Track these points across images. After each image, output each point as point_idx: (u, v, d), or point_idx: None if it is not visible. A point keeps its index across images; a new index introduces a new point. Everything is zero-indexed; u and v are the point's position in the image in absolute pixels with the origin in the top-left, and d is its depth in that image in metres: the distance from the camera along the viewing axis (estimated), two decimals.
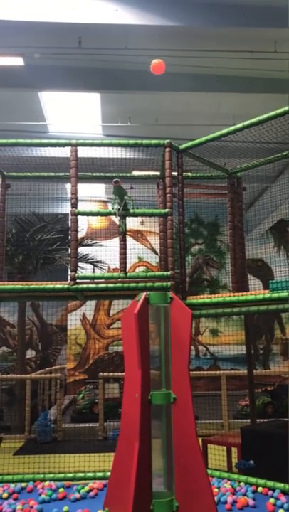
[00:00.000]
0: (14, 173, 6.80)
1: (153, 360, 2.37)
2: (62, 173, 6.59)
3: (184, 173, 6.90)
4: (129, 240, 11.93)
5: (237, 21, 7.25)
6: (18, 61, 7.51)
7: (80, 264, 9.24)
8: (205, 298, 5.70)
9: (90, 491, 4.70)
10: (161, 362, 2.36)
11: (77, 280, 5.53)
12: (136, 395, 2.16)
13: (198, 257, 13.14)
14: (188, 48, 7.29)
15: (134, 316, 2.21)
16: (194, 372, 10.91)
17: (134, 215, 5.76)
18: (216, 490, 4.71)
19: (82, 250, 9.50)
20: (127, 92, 8.62)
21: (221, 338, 12.96)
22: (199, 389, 10.79)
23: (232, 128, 5.62)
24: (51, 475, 5.22)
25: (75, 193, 5.76)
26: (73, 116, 9.80)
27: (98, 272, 9.50)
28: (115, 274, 5.64)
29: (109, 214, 5.91)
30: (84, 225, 12.07)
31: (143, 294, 2.29)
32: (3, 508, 4.28)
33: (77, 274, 5.53)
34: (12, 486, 4.95)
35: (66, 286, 5.51)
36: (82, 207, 5.73)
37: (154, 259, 12.78)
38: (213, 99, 8.93)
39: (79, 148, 5.91)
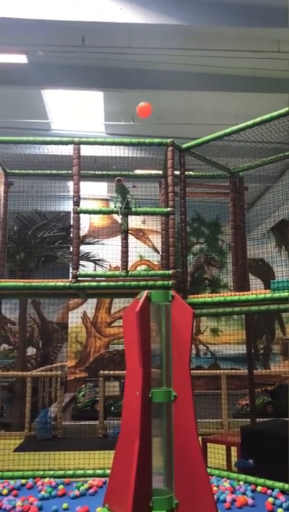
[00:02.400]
0: (17, 171, 6.81)
1: (154, 359, 2.38)
2: (65, 171, 6.58)
3: (187, 173, 6.92)
4: (131, 239, 11.95)
5: (240, 20, 7.25)
6: (21, 59, 7.52)
7: (81, 262, 9.28)
8: (206, 297, 5.71)
9: (90, 488, 4.72)
10: (162, 360, 2.36)
11: (79, 278, 5.55)
12: (136, 393, 2.17)
13: (200, 256, 13.15)
14: (191, 47, 7.29)
15: (136, 314, 2.21)
16: (194, 371, 10.92)
17: (136, 213, 5.77)
18: (215, 488, 4.72)
19: (83, 248, 9.52)
20: (130, 91, 8.61)
21: (222, 337, 12.98)
22: (199, 388, 10.79)
23: (235, 127, 5.62)
24: (51, 472, 5.24)
25: (77, 191, 5.77)
26: (76, 114, 9.81)
27: (99, 270, 9.50)
28: (117, 273, 5.65)
29: (111, 212, 5.91)
30: (86, 223, 12.08)
31: (145, 293, 2.30)
32: (3, 504, 4.30)
33: (78, 272, 5.54)
34: (12, 482, 4.96)
35: (68, 284, 5.52)
36: (84, 205, 5.74)
37: (155, 258, 12.79)
38: (216, 99, 8.93)
39: (82, 146, 5.93)
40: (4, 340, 15.32)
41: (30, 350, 15.21)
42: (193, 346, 9.36)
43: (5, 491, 4.68)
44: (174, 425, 2.23)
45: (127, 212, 5.61)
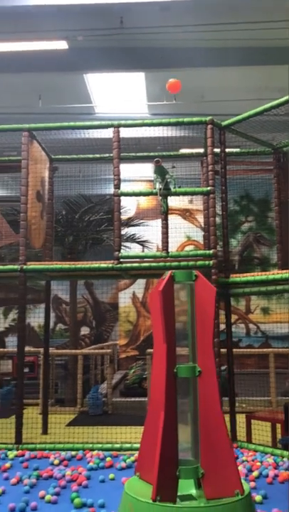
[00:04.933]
0: (61, 156, 7.00)
1: (180, 336, 2.46)
2: (107, 155, 6.68)
3: (232, 150, 6.84)
4: (178, 219, 11.96)
5: None
6: (62, 45, 7.63)
7: (128, 243, 9.43)
8: (248, 276, 5.71)
9: (136, 461, 4.90)
10: (188, 338, 2.44)
11: (121, 259, 5.69)
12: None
13: (249, 234, 12.96)
14: (232, 21, 7.12)
15: (159, 293, 2.30)
16: (243, 350, 10.91)
17: (176, 194, 5.81)
18: (258, 464, 4.80)
19: (130, 230, 9.65)
20: (172, 70, 8.53)
21: (273, 316, 12.82)
22: (250, 367, 10.78)
23: (275, 102, 5.51)
24: (99, 445, 5.49)
25: (118, 174, 5.89)
26: (119, 96, 9.85)
27: (147, 252, 9.61)
28: (157, 253, 5.75)
29: (151, 194, 5.99)
30: (132, 205, 12.18)
31: (168, 272, 2.38)
32: (54, 473, 4.57)
33: (120, 254, 5.68)
34: (63, 453, 5.25)
35: (111, 265, 5.69)
36: (131, 187, 5.83)
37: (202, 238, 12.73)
38: (259, 73, 8.68)
39: (125, 128, 6.00)
40: (59, 321, 15.88)
41: (84, 330, 15.71)
42: (243, 325, 9.34)
43: (56, 462, 4.97)
44: (199, 399, 2.32)
45: (166, 193, 5.66)
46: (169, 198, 5.85)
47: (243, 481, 2.25)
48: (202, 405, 2.30)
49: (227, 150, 6.38)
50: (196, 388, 2.34)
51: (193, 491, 2.31)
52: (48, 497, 3.93)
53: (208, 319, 2.34)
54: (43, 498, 3.95)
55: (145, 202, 12.53)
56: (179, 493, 2.25)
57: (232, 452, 2.23)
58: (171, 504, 2.14)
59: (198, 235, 13.05)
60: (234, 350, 8.13)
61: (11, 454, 5.24)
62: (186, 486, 2.32)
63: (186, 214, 12.93)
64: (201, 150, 6.67)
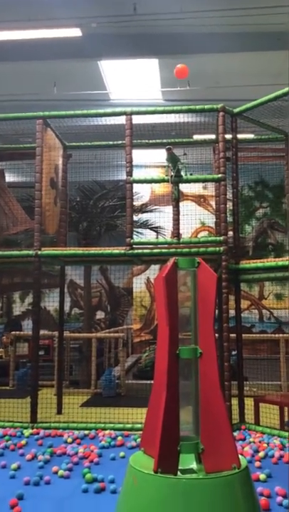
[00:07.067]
0: (74, 144, 7.10)
1: (186, 322, 2.58)
2: (120, 141, 6.75)
3: (245, 136, 6.85)
4: (192, 206, 11.97)
5: None
6: (75, 32, 7.68)
7: (141, 229, 9.53)
8: (258, 262, 5.78)
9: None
10: (190, 322, 2.56)
11: (133, 246, 5.81)
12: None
13: (263, 220, 12.94)
14: (244, 6, 7.08)
15: (162, 279, 2.42)
16: (254, 335, 11.01)
17: (187, 181, 5.89)
18: (265, 445, 4.94)
19: (143, 216, 9.75)
20: (185, 56, 8.51)
21: (286, 302, 12.84)
22: (262, 352, 10.83)
23: (286, 89, 5.52)
24: (111, 425, 5.68)
25: (130, 161, 5.97)
26: (133, 83, 9.87)
27: (161, 238, 9.70)
28: (168, 240, 5.85)
29: (163, 181, 6.07)
30: (146, 191, 12.23)
31: (172, 259, 2.49)
32: (67, 450, 4.77)
33: (132, 240, 5.80)
34: (76, 432, 5.46)
35: (123, 251, 5.81)
36: (145, 173, 5.93)
37: None
38: (274, 58, 8.61)
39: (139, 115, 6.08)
40: (75, 305, 16.15)
41: (100, 314, 15.94)
42: (256, 311, 9.40)
43: (69, 440, 5.17)
44: (200, 379, 2.44)
45: (177, 180, 5.74)
46: (181, 184, 5.95)
47: (240, 457, 2.38)
48: (203, 385, 2.42)
49: (240, 136, 6.43)
50: (197, 370, 2.46)
51: (194, 466, 2.45)
52: (60, 472, 4.12)
53: (210, 304, 2.45)
54: (56, 473, 4.15)
55: (159, 188, 12.55)
56: (180, 467, 2.39)
57: (230, 429, 2.36)
58: (171, 476, 2.28)
59: (213, 221, 13.05)
60: (246, 335, 8.25)
61: (27, 432, 5.47)
62: (188, 461, 2.46)
63: (200, 200, 12.94)
64: (210, 136, 6.72)
